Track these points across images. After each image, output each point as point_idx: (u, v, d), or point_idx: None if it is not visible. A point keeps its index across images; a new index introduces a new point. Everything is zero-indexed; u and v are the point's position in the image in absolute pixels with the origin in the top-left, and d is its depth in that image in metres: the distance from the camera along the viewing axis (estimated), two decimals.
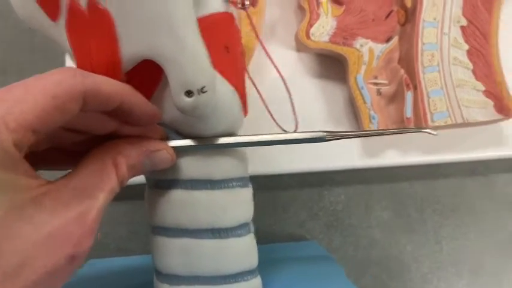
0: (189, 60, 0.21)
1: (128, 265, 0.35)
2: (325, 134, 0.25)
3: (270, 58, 0.27)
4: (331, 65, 0.40)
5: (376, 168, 0.41)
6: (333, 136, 0.25)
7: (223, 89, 0.24)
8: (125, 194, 0.39)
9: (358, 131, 0.26)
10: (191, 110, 0.22)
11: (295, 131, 0.29)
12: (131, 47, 0.22)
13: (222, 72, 0.24)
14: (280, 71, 0.28)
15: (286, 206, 0.41)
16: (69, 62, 0.38)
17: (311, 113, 0.39)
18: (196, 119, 0.24)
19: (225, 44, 0.25)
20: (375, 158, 0.39)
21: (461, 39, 0.38)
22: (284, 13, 0.40)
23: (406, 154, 0.39)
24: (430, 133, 0.26)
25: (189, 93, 0.22)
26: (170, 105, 0.24)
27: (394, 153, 0.39)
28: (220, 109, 0.24)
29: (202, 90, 0.22)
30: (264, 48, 0.27)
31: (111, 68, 0.22)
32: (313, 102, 0.39)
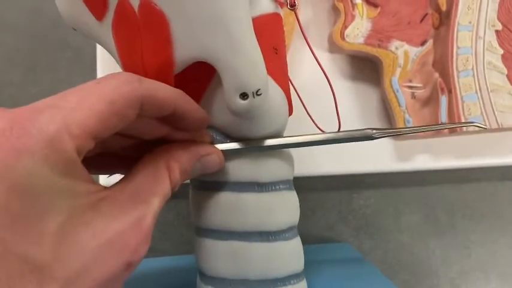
0: (245, 63, 0.21)
1: (161, 266, 0.35)
2: (373, 131, 0.24)
3: (315, 57, 0.27)
4: (364, 67, 0.39)
5: (406, 172, 0.41)
6: (381, 133, 0.24)
7: (273, 91, 0.24)
8: None
9: (406, 128, 0.25)
10: (245, 113, 0.22)
11: (339, 131, 0.28)
12: (186, 49, 0.21)
13: (271, 74, 0.24)
14: (325, 71, 0.28)
15: (315, 208, 0.41)
16: (100, 59, 0.38)
17: (343, 115, 0.39)
18: (247, 121, 0.23)
19: (274, 45, 0.25)
20: (406, 161, 0.39)
21: (495, 44, 0.38)
22: (317, 13, 0.40)
23: (437, 158, 0.39)
24: (479, 126, 0.25)
25: (243, 95, 0.21)
26: (219, 108, 0.24)
27: (426, 158, 0.39)
28: (270, 111, 0.24)
29: (257, 93, 0.21)
30: (310, 48, 0.27)
31: (163, 71, 0.22)
32: (345, 104, 0.39)
